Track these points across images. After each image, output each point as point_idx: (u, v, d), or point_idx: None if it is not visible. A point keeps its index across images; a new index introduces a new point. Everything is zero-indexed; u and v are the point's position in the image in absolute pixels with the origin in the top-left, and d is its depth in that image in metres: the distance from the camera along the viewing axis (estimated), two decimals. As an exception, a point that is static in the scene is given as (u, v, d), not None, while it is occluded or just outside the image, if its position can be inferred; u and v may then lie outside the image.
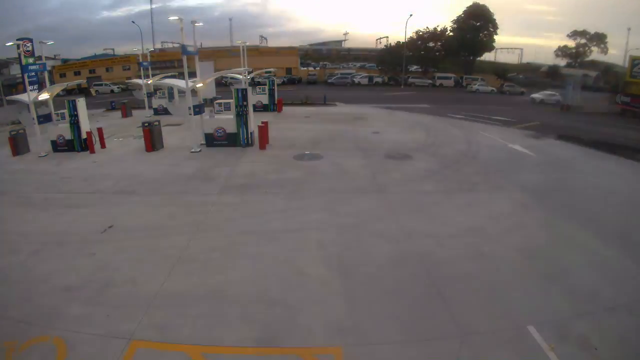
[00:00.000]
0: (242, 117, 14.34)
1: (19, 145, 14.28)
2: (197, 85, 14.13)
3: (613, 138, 16.96)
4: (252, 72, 23.43)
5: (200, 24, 14.02)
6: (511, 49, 69.64)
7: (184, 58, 13.32)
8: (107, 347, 4.69)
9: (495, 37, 51.06)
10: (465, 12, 50.31)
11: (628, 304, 5.51)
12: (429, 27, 52.61)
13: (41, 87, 16.32)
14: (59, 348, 4.66)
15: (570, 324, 5.09)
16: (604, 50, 58.78)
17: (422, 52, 52.34)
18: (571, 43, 60.90)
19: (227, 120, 14.56)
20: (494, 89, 43.24)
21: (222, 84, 32.49)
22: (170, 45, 58.25)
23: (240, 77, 20.75)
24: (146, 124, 14.23)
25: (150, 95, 23.72)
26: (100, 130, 15.14)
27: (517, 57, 70.55)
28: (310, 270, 6.35)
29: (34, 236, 7.60)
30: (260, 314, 5.31)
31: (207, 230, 7.81)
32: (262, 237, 7.46)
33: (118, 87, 45.16)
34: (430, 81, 48.86)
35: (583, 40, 60.12)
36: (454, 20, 51.31)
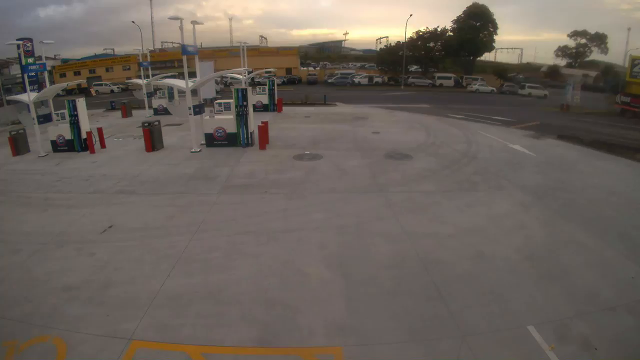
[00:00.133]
0: (242, 117, 14.34)
1: (19, 145, 14.28)
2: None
3: (613, 138, 16.97)
4: (251, 72, 23.44)
5: (201, 23, 14.02)
6: (511, 49, 69.75)
7: (184, 58, 13.32)
8: (107, 347, 4.69)
9: (495, 37, 51.14)
10: (465, 12, 50.35)
11: (628, 304, 5.51)
12: (429, 27, 52.76)
13: (41, 87, 16.34)
14: (59, 348, 4.66)
15: (570, 324, 5.09)
16: (604, 50, 58.86)
17: (422, 52, 52.36)
18: (571, 43, 61.01)
19: (227, 120, 14.56)
20: (493, 89, 43.27)
21: (222, 84, 32.49)
22: (171, 45, 58.34)
23: (240, 77, 20.75)
24: (146, 124, 14.24)
25: (150, 95, 23.73)
26: (100, 130, 15.14)
27: (517, 57, 70.66)
28: (310, 270, 6.34)
29: (34, 236, 7.60)
30: (260, 314, 5.31)
31: (207, 230, 7.80)
32: (262, 237, 7.46)
33: (118, 87, 45.19)
34: (430, 81, 48.89)
35: (583, 40, 60.20)
36: (454, 20, 51.41)
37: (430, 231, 7.72)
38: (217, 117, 15.07)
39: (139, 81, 24.33)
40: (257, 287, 5.90)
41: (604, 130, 19.65)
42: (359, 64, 66.40)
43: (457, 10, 54.99)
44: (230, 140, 14.58)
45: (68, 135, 14.42)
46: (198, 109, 13.95)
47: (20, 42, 15.60)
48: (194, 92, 14.50)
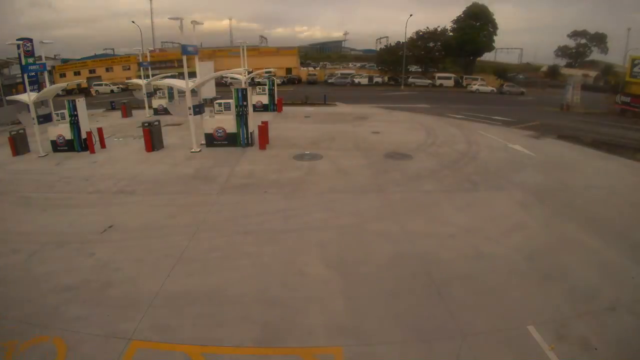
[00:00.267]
0: (242, 117, 14.34)
1: (19, 145, 14.28)
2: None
3: (613, 138, 16.97)
4: (251, 72, 23.43)
5: (201, 24, 14.02)
6: (511, 49, 69.78)
7: (184, 58, 13.32)
8: (107, 347, 4.69)
9: (494, 37, 51.14)
10: (465, 12, 50.37)
11: (628, 304, 5.51)
12: (429, 27, 52.75)
13: (41, 87, 16.33)
14: (59, 348, 4.66)
15: (570, 324, 5.09)
16: (604, 50, 58.91)
17: (422, 52, 52.36)
18: (571, 43, 61.05)
19: (227, 120, 14.56)
20: (493, 89, 43.27)
21: (222, 84, 32.50)
22: (171, 45, 58.36)
23: (240, 77, 20.74)
24: (146, 124, 14.24)
25: (150, 95, 23.73)
26: (100, 130, 15.14)
27: (517, 57, 70.69)
28: (310, 270, 6.35)
29: (34, 236, 7.60)
30: (260, 314, 5.31)
31: (207, 230, 7.80)
32: (262, 237, 7.46)
33: (118, 87, 45.19)
34: (430, 81, 48.89)
35: (583, 40, 60.23)
36: (454, 20, 51.42)
37: (430, 231, 7.72)
38: (217, 117, 15.08)
39: (139, 81, 24.32)
40: (257, 287, 5.89)
41: (604, 130, 19.65)
42: (359, 64, 66.42)
43: (456, 9, 54.96)
44: (230, 140, 14.58)
45: (68, 135, 14.42)
46: (198, 109, 13.95)
47: (20, 42, 15.59)
48: (194, 92, 14.51)
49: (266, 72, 28.88)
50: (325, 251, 6.92)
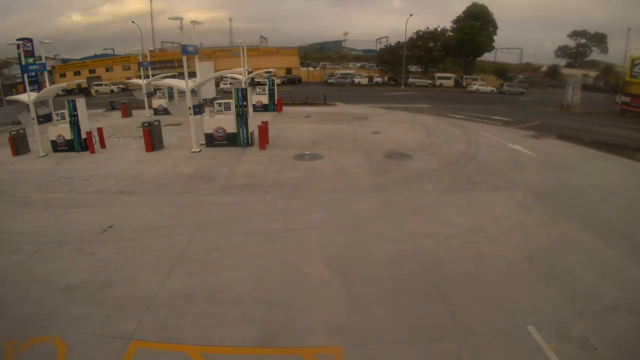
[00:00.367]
0: (242, 117, 14.34)
1: (19, 145, 14.27)
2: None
3: (613, 138, 16.97)
4: (251, 72, 23.42)
5: (201, 24, 14.02)
6: (511, 49, 69.77)
7: (184, 58, 13.32)
8: (107, 347, 4.69)
9: (494, 37, 51.15)
10: (465, 12, 50.37)
11: (628, 304, 5.51)
12: (429, 27, 52.75)
13: (41, 87, 16.33)
14: (58, 348, 4.66)
15: (570, 324, 5.09)
16: (604, 50, 58.89)
17: (422, 52, 52.37)
18: (571, 43, 61.04)
19: (227, 120, 14.56)
20: (493, 89, 43.28)
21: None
22: (171, 45, 58.34)
23: (240, 77, 20.74)
24: (146, 124, 14.24)
25: (150, 95, 23.72)
26: (100, 130, 15.13)
27: (517, 57, 70.68)
28: (311, 270, 6.34)
29: (34, 236, 7.59)
30: (260, 314, 5.30)
31: (207, 230, 7.80)
32: (262, 237, 7.46)
33: (118, 87, 45.19)
34: (430, 81, 48.90)
35: (583, 40, 60.22)
36: (454, 20, 51.44)
37: (430, 231, 7.72)
38: (217, 117, 15.08)
39: (139, 81, 24.32)
40: (257, 287, 5.90)
41: (604, 130, 19.64)
42: (359, 64, 66.39)
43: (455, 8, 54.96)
44: (230, 140, 14.58)
45: (68, 135, 14.41)
46: (198, 109, 13.95)
47: (20, 42, 15.60)
48: (194, 92, 14.51)
49: (266, 72, 28.88)
50: (326, 251, 6.92)
